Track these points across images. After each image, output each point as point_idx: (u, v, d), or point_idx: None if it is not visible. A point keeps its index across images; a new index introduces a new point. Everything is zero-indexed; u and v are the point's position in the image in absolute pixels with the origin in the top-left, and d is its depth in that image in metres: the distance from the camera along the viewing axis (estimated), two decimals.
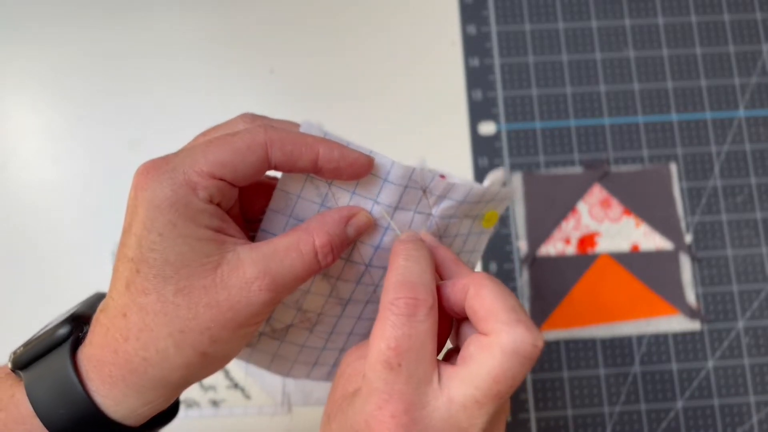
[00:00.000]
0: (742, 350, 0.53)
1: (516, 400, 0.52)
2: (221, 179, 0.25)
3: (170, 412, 0.30)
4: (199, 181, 0.24)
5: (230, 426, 0.50)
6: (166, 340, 0.24)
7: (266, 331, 0.31)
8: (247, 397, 0.50)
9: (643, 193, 0.55)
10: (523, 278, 0.53)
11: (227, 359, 0.26)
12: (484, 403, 0.23)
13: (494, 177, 0.32)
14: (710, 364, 0.52)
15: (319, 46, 0.58)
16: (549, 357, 0.52)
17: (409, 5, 0.59)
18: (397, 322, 0.24)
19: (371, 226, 0.28)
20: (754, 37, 0.58)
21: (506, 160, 0.56)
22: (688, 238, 0.55)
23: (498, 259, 0.54)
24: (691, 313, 0.53)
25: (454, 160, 0.56)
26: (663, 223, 0.55)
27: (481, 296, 0.25)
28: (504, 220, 0.55)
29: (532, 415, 0.51)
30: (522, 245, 0.54)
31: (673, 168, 0.56)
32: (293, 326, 0.31)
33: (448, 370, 0.24)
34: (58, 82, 0.57)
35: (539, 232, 0.54)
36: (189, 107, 0.56)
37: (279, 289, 0.25)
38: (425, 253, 0.26)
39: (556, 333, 0.52)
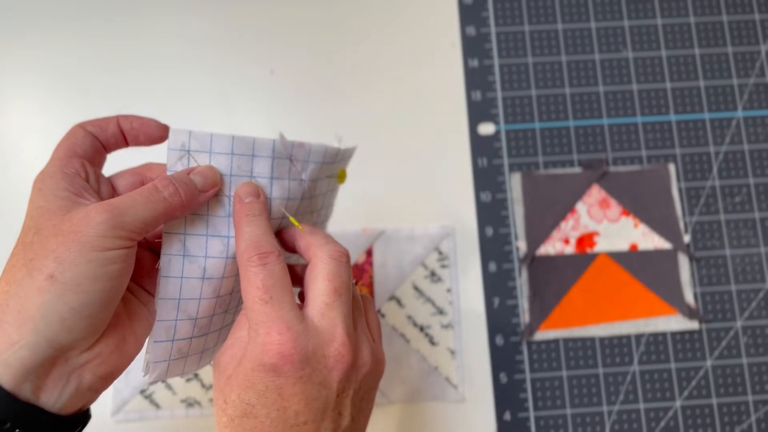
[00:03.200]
0: (741, 349, 0.53)
1: (515, 398, 0.52)
2: (74, 156, 0.31)
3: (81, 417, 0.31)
4: (61, 161, 0.31)
5: None
6: (21, 270, 0.28)
7: (195, 335, 0.33)
8: None
9: (642, 193, 0.55)
10: (522, 278, 0.54)
11: (79, 289, 0.27)
12: (332, 302, 0.30)
13: (336, 137, 0.37)
14: (708, 363, 0.53)
15: (319, 47, 0.58)
16: (548, 356, 0.53)
17: (408, 7, 0.59)
18: (257, 270, 0.30)
19: (217, 175, 0.31)
20: (752, 38, 0.59)
21: (505, 160, 0.56)
22: (687, 238, 0.55)
23: (497, 258, 0.54)
24: (690, 313, 0.53)
25: (454, 160, 0.56)
26: (661, 223, 0.55)
27: (301, 237, 0.33)
28: (503, 220, 0.55)
29: (531, 414, 0.51)
30: (521, 245, 0.54)
31: (672, 168, 0.56)
32: (215, 315, 0.33)
33: (302, 297, 0.32)
34: (58, 83, 0.57)
35: (538, 232, 0.55)
36: (189, 108, 0.57)
37: (116, 210, 0.28)
38: (261, 213, 0.31)
39: (555, 332, 0.53)
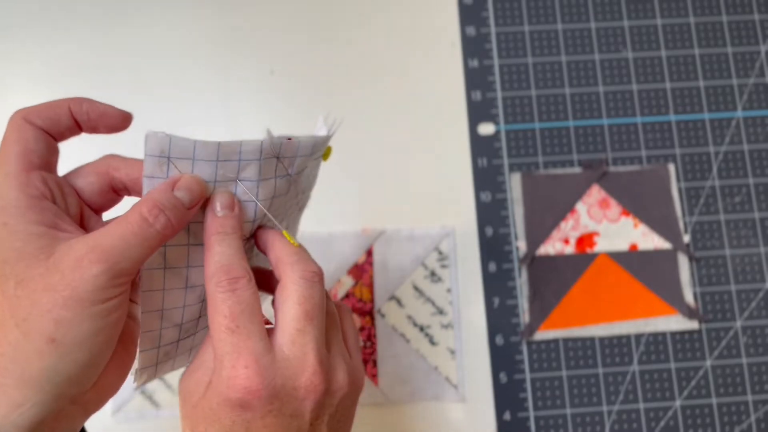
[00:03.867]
0: (740, 349, 0.53)
1: (515, 398, 0.52)
2: (32, 169, 0.27)
3: None
4: (19, 180, 0.26)
5: None
6: (14, 331, 0.25)
7: (182, 337, 0.32)
8: None
9: (642, 193, 0.55)
10: (522, 278, 0.54)
11: (82, 347, 0.26)
12: (303, 327, 0.28)
13: (323, 122, 0.35)
14: (708, 363, 0.53)
15: (319, 47, 0.58)
16: (548, 356, 0.53)
17: (408, 7, 0.59)
18: (225, 297, 0.27)
19: (203, 186, 0.29)
20: (752, 38, 0.59)
21: (505, 160, 0.56)
22: (687, 238, 0.55)
23: (497, 258, 0.54)
24: (690, 313, 0.53)
25: (454, 160, 0.56)
26: (661, 223, 0.55)
27: (273, 248, 0.31)
28: (503, 220, 0.55)
29: (531, 414, 0.52)
30: (521, 245, 0.54)
31: (672, 168, 0.56)
32: (201, 317, 0.32)
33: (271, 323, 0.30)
34: (58, 84, 0.57)
35: (538, 231, 0.55)
36: (190, 108, 0.57)
37: (111, 258, 0.25)
38: (234, 230, 0.29)
39: (555, 332, 0.53)
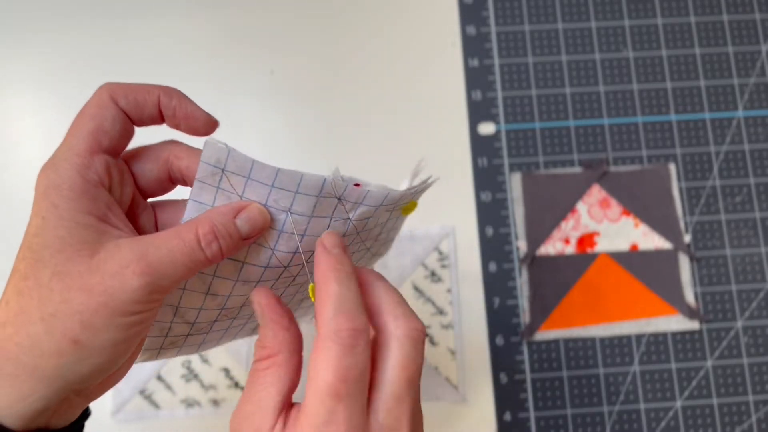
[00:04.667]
0: (741, 350, 0.53)
1: (516, 399, 0.52)
2: (98, 151, 0.26)
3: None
4: (81, 161, 0.25)
5: None
6: (37, 325, 0.24)
7: (192, 333, 0.31)
8: None
9: (642, 193, 0.55)
10: (522, 278, 0.54)
11: (103, 353, 0.25)
12: (402, 396, 0.25)
13: (414, 176, 0.32)
14: (709, 363, 0.53)
15: (319, 48, 0.58)
16: (548, 356, 0.52)
17: (408, 6, 0.59)
18: (341, 352, 0.24)
19: (267, 220, 0.27)
20: (752, 38, 0.59)
21: (506, 160, 0.56)
22: (687, 238, 0.55)
23: (497, 258, 0.54)
24: (690, 313, 0.53)
25: (454, 160, 0.56)
26: (662, 222, 0.55)
27: (370, 294, 0.27)
28: (503, 220, 0.55)
29: (532, 414, 0.51)
30: (521, 245, 0.54)
31: (672, 168, 0.56)
32: (217, 321, 0.32)
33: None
34: (59, 84, 0.57)
35: (538, 231, 0.54)
36: None
37: (155, 273, 0.24)
38: (352, 273, 0.26)
39: (555, 332, 0.53)
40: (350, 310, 0.25)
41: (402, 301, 0.27)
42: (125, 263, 0.24)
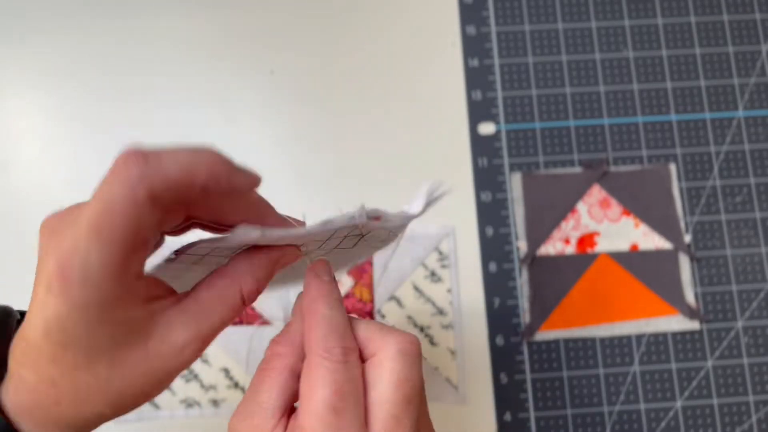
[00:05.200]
0: (741, 350, 0.53)
1: (516, 399, 0.52)
2: (139, 249, 0.22)
3: None
4: (119, 267, 0.21)
5: None
6: (103, 407, 0.24)
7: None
8: None
9: (643, 193, 0.55)
10: (522, 278, 0.54)
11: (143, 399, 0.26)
12: (399, 414, 0.24)
13: (430, 199, 0.31)
14: (709, 363, 0.52)
15: (319, 47, 0.58)
16: (548, 356, 0.52)
17: (408, 6, 0.59)
18: (335, 368, 0.24)
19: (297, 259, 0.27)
20: (753, 38, 0.59)
21: (506, 160, 0.56)
22: (688, 238, 0.55)
23: (498, 259, 0.54)
24: (691, 313, 0.53)
25: (454, 160, 0.56)
26: (662, 223, 0.55)
27: (355, 328, 0.27)
28: (504, 220, 0.55)
29: (532, 415, 0.51)
30: (521, 245, 0.54)
31: (673, 168, 0.56)
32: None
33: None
34: (59, 84, 0.57)
35: (539, 232, 0.54)
36: (190, 108, 0.56)
37: (209, 341, 0.25)
38: (341, 300, 0.27)
39: (555, 332, 0.53)
40: (340, 330, 0.25)
41: (384, 326, 0.27)
42: (183, 344, 0.24)
